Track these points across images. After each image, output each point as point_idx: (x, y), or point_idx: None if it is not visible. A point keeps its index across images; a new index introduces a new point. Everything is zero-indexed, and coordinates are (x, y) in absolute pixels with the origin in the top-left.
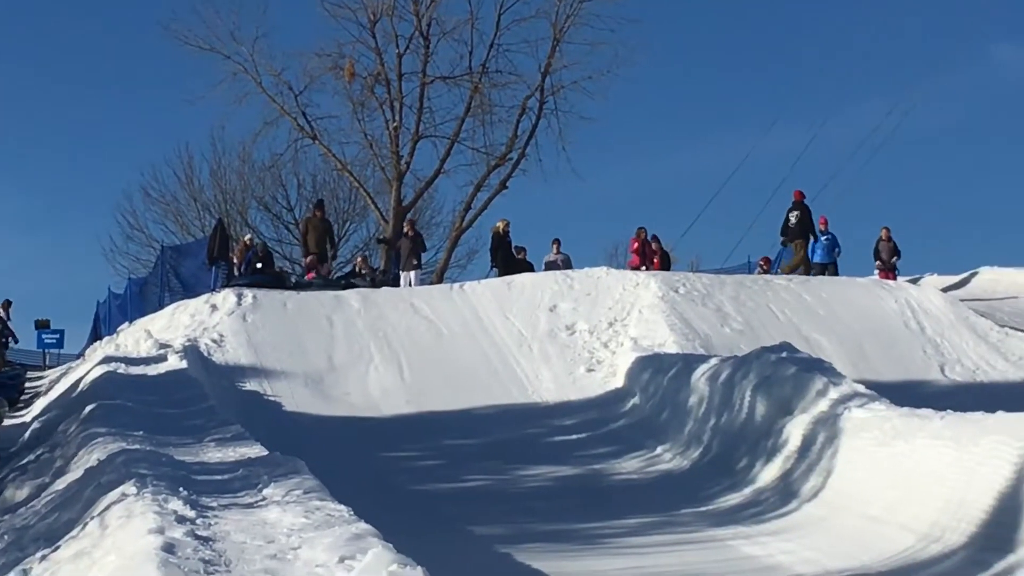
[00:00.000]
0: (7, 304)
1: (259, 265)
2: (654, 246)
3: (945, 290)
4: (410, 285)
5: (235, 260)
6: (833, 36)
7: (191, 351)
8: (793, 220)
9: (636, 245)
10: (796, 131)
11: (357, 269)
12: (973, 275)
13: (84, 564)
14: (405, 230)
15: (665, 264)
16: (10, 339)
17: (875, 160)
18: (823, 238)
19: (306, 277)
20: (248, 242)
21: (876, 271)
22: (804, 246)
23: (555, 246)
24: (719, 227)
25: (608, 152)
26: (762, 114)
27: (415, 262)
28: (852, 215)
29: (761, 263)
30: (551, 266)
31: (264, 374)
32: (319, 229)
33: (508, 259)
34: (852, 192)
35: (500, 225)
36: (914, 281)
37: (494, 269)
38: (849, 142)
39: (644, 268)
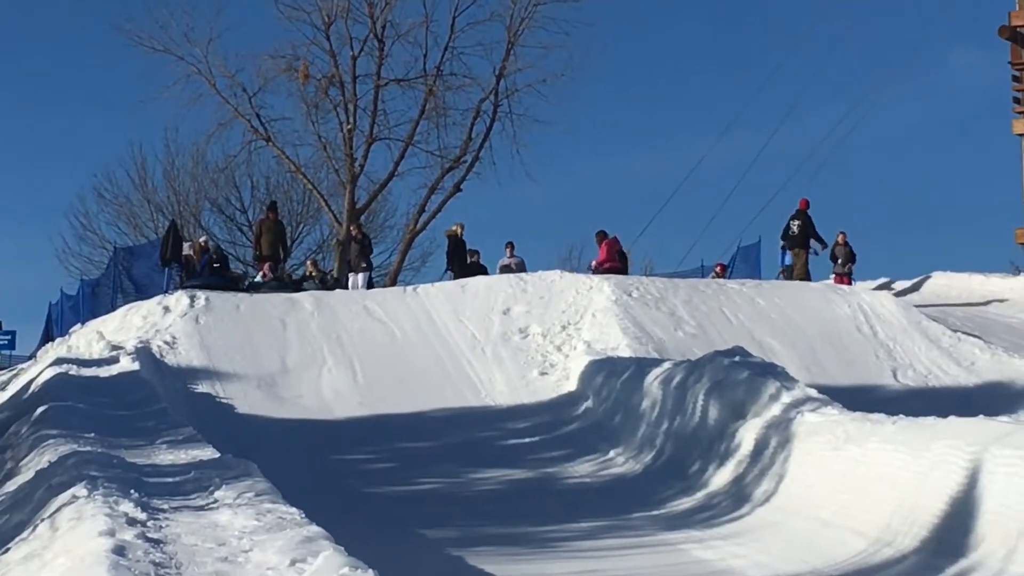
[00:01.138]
0: None
1: (216, 266)
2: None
3: (898, 295)
4: (358, 287)
5: (194, 260)
6: (791, 41)
7: (143, 353)
8: (795, 228)
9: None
10: (752, 136)
11: (307, 273)
12: (926, 280)
13: (34, 566)
14: (353, 233)
15: (624, 264)
16: None
17: (830, 165)
18: None
19: (261, 277)
20: (203, 244)
21: (832, 275)
22: (805, 254)
23: (508, 249)
24: (673, 231)
25: (562, 155)
26: (718, 119)
27: (364, 264)
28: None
29: (717, 269)
30: (505, 269)
31: (217, 376)
32: (272, 231)
33: (464, 262)
34: (807, 196)
35: (456, 228)
36: (885, 286)
37: (449, 272)
38: (805, 147)
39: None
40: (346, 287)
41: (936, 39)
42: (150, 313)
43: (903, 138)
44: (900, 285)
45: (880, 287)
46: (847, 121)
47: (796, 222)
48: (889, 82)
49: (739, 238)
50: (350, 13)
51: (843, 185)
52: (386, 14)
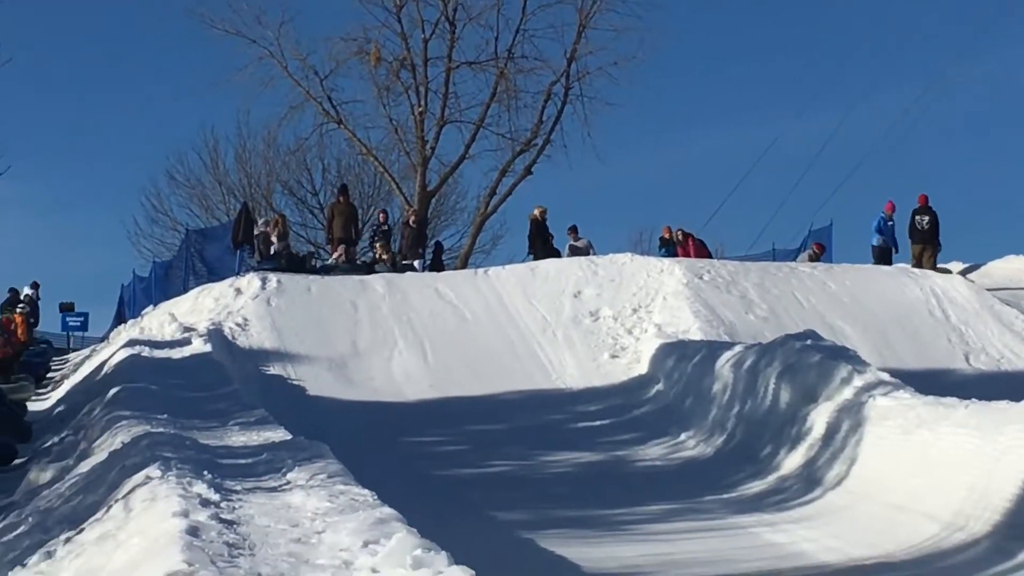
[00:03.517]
0: (36, 285)
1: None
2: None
3: (970, 278)
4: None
5: (273, 239)
6: (863, 21)
7: (215, 335)
8: (925, 224)
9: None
10: (824, 117)
11: (378, 256)
12: (998, 263)
13: (108, 547)
14: (408, 219)
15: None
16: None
17: (902, 147)
18: (889, 223)
19: (334, 259)
20: (279, 219)
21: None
22: (933, 249)
23: (572, 233)
24: (744, 214)
25: (633, 138)
26: (790, 99)
27: (420, 250)
28: (879, 202)
29: (815, 248)
30: (574, 251)
31: (288, 358)
32: (344, 214)
33: (546, 245)
34: (879, 179)
35: (537, 212)
36: (971, 269)
37: (531, 255)
38: (879, 128)
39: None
40: (416, 270)
41: (1009, 17)
42: (222, 295)
43: (978, 118)
44: (973, 268)
45: (967, 269)
46: (920, 102)
47: (925, 218)
48: (964, 61)
49: (811, 221)
50: None
51: (917, 168)
52: None
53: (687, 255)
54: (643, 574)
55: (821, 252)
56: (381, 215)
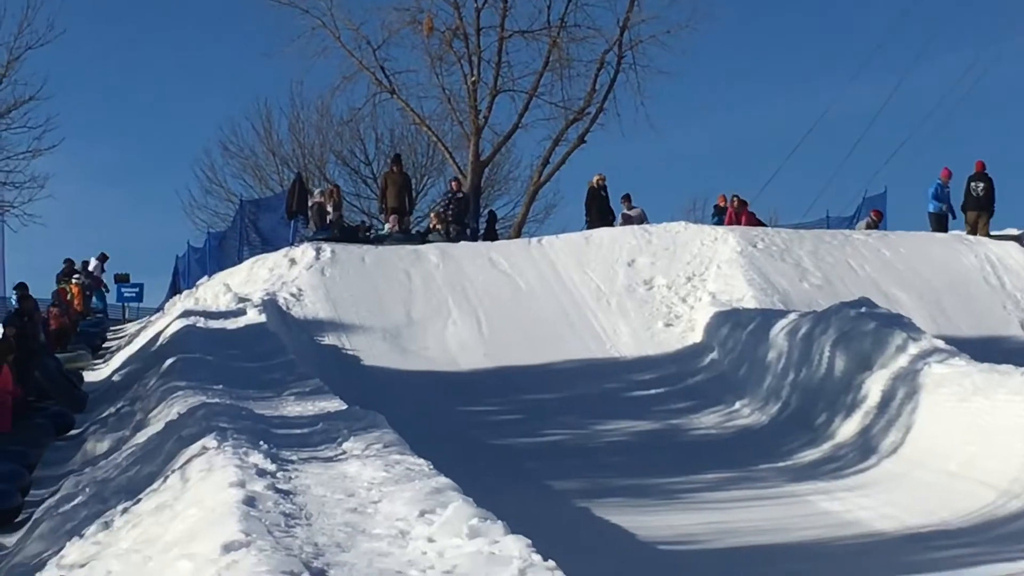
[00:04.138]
0: (103, 257)
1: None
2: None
3: None
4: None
5: (325, 206)
6: None
7: (270, 305)
8: (980, 191)
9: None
10: (877, 84)
11: (431, 226)
12: None
13: (165, 517)
14: (454, 190)
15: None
16: (101, 289)
17: (958, 112)
18: (945, 190)
19: (388, 229)
20: (334, 189)
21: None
22: (988, 217)
23: (626, 202)
24: (798, 181)
25: (686, 106)
26: (845, 66)
27: (466, 220)
28: (933, 168)
29: (873, 215)
30: (627, 220)
31: (342, 328)
32: (397, 184)
33: (603, 213)
34: (934, 145)
35: (595, 179)
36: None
37: (587, 222)
38: (932, 94)
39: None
40: (470, 239)
41: None
42: (276, 265)
43: None
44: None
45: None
46: (975, 68)
47: (980, 184)
48: (1021, 24)
49: (865, 188)
50: None
51: (972, 134)
52: None
53: (736, 223)
54: (698, 542)
55: (879, 219)
56: (453, 183)
